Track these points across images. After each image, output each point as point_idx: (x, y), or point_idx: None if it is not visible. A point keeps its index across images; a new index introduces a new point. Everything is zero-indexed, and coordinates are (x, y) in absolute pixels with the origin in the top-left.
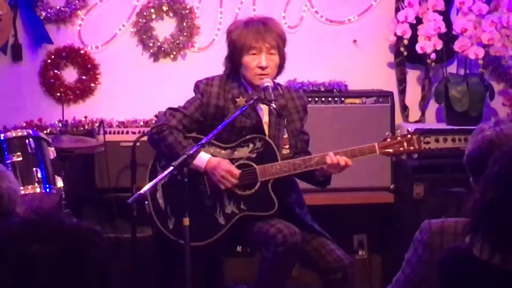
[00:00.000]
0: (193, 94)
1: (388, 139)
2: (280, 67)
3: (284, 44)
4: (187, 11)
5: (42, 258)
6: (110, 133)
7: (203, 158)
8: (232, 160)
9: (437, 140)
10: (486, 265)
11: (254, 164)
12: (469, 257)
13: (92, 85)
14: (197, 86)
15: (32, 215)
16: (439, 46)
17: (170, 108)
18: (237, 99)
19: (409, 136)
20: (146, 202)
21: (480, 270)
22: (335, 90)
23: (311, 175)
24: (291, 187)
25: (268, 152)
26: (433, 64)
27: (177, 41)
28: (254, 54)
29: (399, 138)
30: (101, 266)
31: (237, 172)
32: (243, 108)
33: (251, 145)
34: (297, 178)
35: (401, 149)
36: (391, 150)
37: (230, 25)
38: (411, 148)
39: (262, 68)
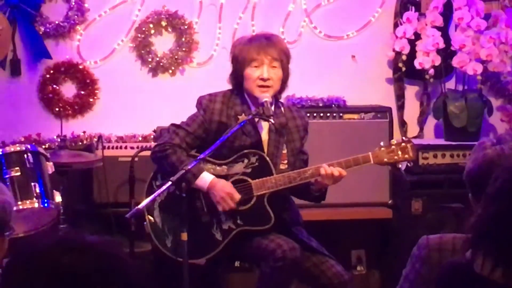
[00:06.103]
0: (193, 109)
1: (383, 148)
2: (284, 82)
3: (287, 59)
4: (186, 27)
5: (73, 270)
6: (108, 148)
7: (206, 179)
8: (228, 176)
9: (435, 156)
10: (486, 280)
11: (249, 179)
12: (469, 272)
13: (91, 100)
14: (200, 102)
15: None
16: (438, 62)
17: (173, 125)
18: (239, 116)
19: (403, 144)
20: (145, 223)
21: (481, 285)
22: (333, 105)
23: (306, 191)
24: (288, 204)
25: (263, 167)
26: (431, 79)
27: (176, 56)
28: (255, 66)
29: (393, 146)
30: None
31: (237, 196)
32: (241, 124)
33: (245, 160)
34: (292, 195)
35: (396, 157)
36: (385, 159)
37: (235, 40)
38: (406, 156)
39: (263, 79)
